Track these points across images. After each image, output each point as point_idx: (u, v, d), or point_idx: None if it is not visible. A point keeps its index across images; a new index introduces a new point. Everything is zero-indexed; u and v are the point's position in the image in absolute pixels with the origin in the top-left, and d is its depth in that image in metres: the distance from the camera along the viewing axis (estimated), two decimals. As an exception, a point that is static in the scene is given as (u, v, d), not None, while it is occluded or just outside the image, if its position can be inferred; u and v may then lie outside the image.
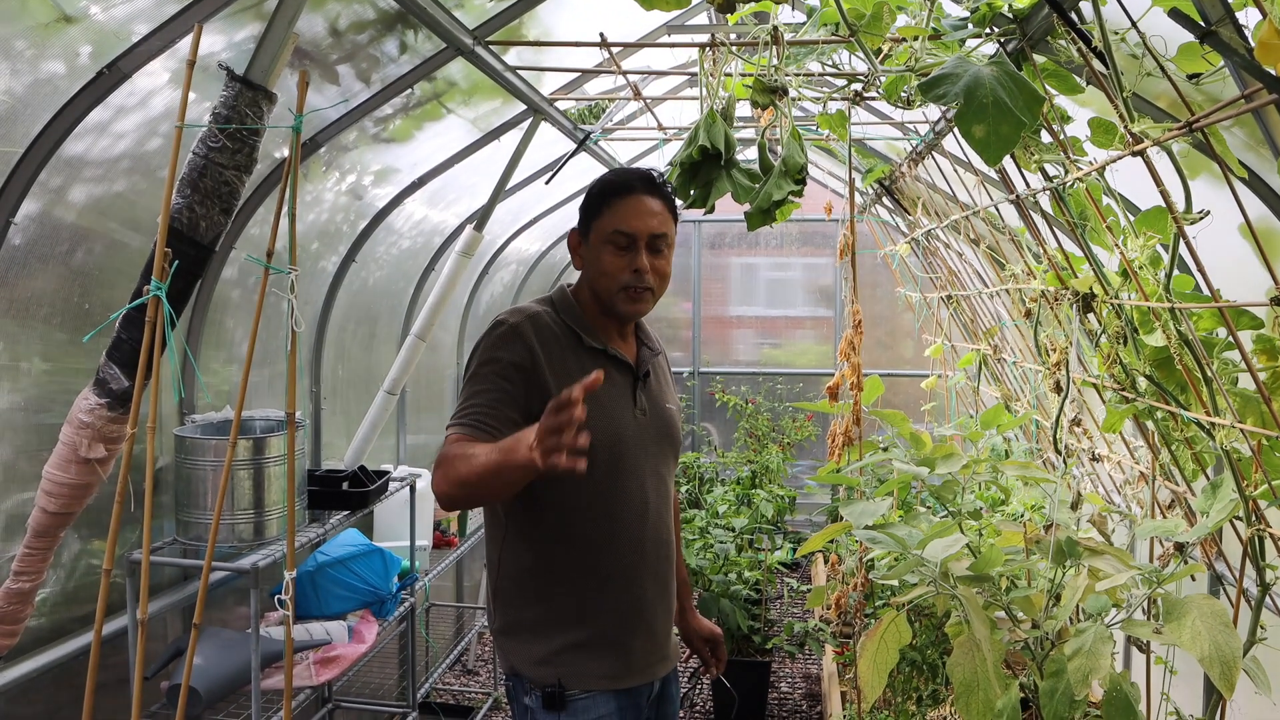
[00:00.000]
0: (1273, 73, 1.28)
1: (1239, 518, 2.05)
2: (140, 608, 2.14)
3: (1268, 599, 2.04)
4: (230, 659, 2.87)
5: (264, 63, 2.24)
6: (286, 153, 2.23)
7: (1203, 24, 1.45)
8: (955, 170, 3.75)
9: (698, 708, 5.12)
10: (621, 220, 2.11)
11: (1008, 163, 2.72)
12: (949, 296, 5.15)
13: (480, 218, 4.07)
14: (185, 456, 2.88)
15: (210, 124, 2.21)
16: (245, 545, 2.90)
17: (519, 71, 3.53)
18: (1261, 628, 2.03)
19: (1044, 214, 2.75)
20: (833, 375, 3.82)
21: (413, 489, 3.87)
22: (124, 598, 2.81)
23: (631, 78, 3.89)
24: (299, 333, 2.19)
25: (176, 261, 2.15)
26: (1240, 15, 1.45)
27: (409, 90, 3.32)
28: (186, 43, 2.22)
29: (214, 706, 2.84)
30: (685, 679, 2.84)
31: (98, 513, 2.65)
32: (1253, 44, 1.28)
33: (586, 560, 2.09)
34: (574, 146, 4.51)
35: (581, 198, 2.22)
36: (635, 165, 2.32)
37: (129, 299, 2.24)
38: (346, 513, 3.42)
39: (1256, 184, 2.18)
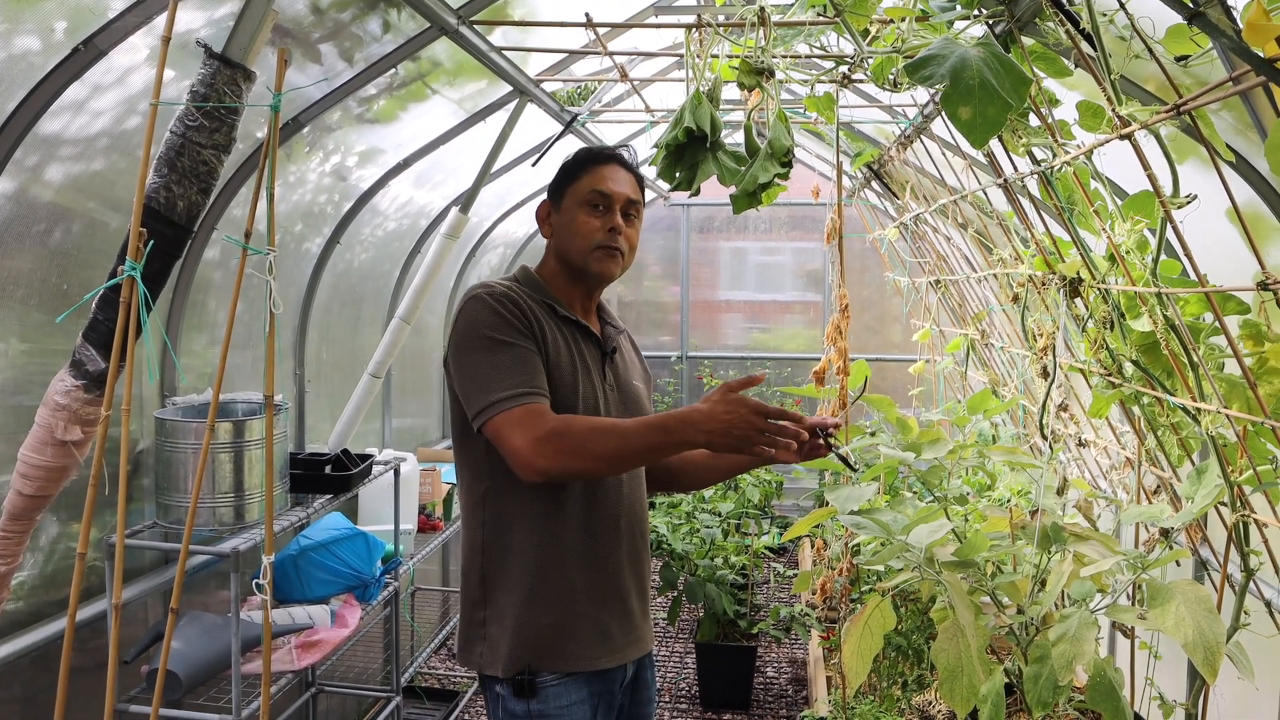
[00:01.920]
0: (1261, 54, 1.26)
1: (1224, 503, 2.05)
2: (114, 592, 2.12)
3: (1251, 585, 2.04)
4: (211, 643, 2.85)
5: (242, 40, 2.21)
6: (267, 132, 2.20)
7: (1191, 5, 1.43)
8: (944, 154, 3.73)
9: (683, 691, 5.13)
10: (599, 181, 2.16)
11: (996, 147, 2.70)
12: (937, 281, 5.14)
13: (466, 200, 4.04)
14: (165, 439, 2.85)
15: (188, 102, 2.18)
16: (226, 529, 2.88)
17: (504, 52, 3.50)
18: (1245, 613, 2.03)
19: (1032, 198, 2.74)
20: (821, 359, 3.81)
21: (397, 472, 3.86)
22: (104, 581, 2.79)
23: (618, 59, 3.86)
24: (278, 315, 2.16)
25: (152, 242, 2.12)
26: (1229, -4, 1.43)
27: (393, 70, 3.28)
28: (164, 19, 2.19)
29: (194, 691, 2.83)
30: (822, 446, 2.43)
31: (77, 495, 2.62)
32: (1241, 25, 1.26)
33: (561, 540, 2.07)
34: (561, 129, 4.47)
35: (556, 174, 2.26)
36: (609, 145, 2.32)
37: (106, 279, 2.21)
38: (330, 496, 3.40)
39: (1244, 168, 2.16)
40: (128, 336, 2.08)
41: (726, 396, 1.89)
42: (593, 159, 2.20)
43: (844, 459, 2.16)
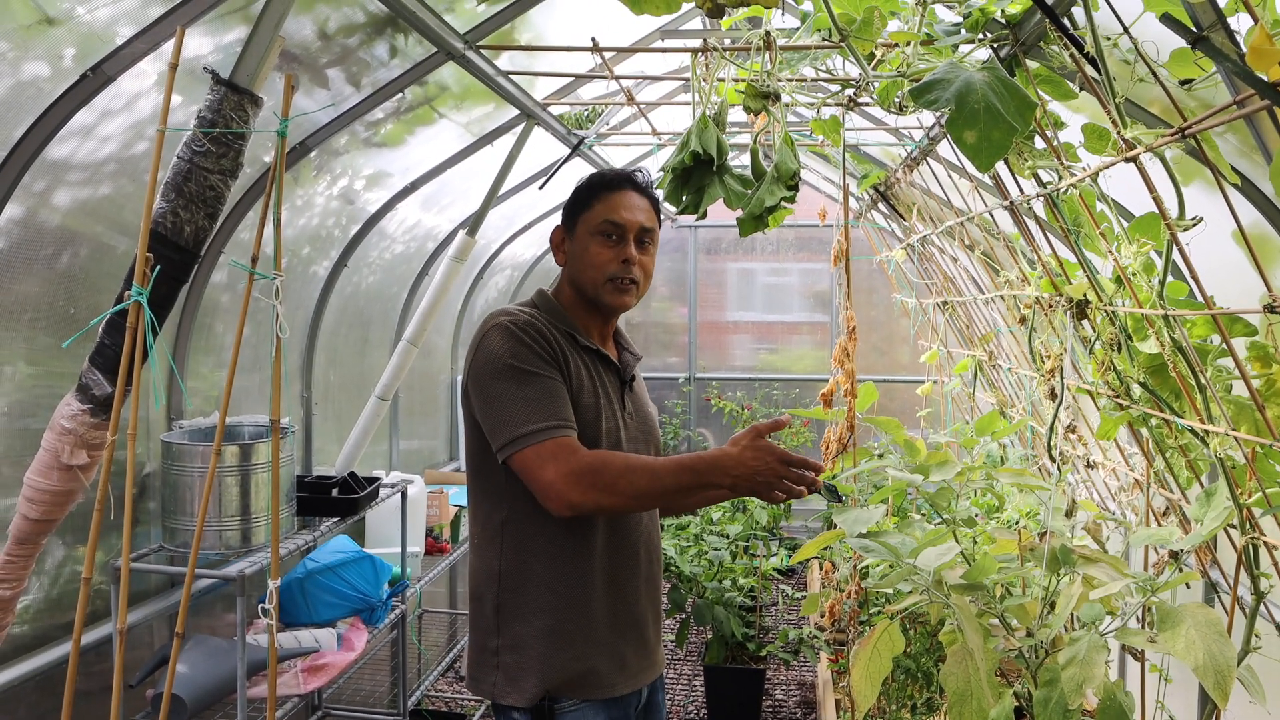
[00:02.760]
0: (1265, 78, 1.26)
1: (1233, 525, 2.04)
2: (120, 616, 2.12)
3: (1262, 607, 2.03)
4: (217, 667, 2.84)
5: (249, 66, 2.22)
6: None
7: (1194, 29, 1.43)
8: (950, 176, 3.74)
9: (691, 714, 5.09)
10: (611, 211, 2.12)
11: (1002, 169, 2.70)
12: (944, 302, 5.13)
13: (473, 223, 4.05)
14: (172, 462, 2.86)
15: (195, 128, 2.19)
16: (233, 552, 2.88)
17: (511, 76, 3.52)
18: (1256, 636, 2.01)
19: (1038, 220, 2.74)
20: (829, 380, 3.80)
21: (404, 495, 3.85)
22: (109, 605, 2.79)
23: (625, 83, 3.87)
24: (284, 339, 2.17)
25: (159, 267, 2.12)
26: (1232, 20, 1.44)
27: (400, 94, 3.30)
28: (171, 45, 2.20)
29: (199, 715, 2.81)
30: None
31: (82, 519, 2.63)
32: (1244, 49, 1.26)
33: (580, 570, 2.06)
34: (568, 152, 4.49)
35: (570, 197, 2.23)
36: (623, 169, 2.30)
37: (113, 303, 2.22)
38: (336, 519, 3.39)
39: (1249, 190, 2.16)
40: (134, 361, 2.09)
41: (755, 443, 1.89)
42: (605, 185, 2.16)
43: (833, 490, 2.18)
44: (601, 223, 2.12)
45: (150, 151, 2.64)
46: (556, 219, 6.33)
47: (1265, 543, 2.03)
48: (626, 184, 2.17)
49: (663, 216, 2.24)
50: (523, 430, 1.93)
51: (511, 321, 2.03)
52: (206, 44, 2.47)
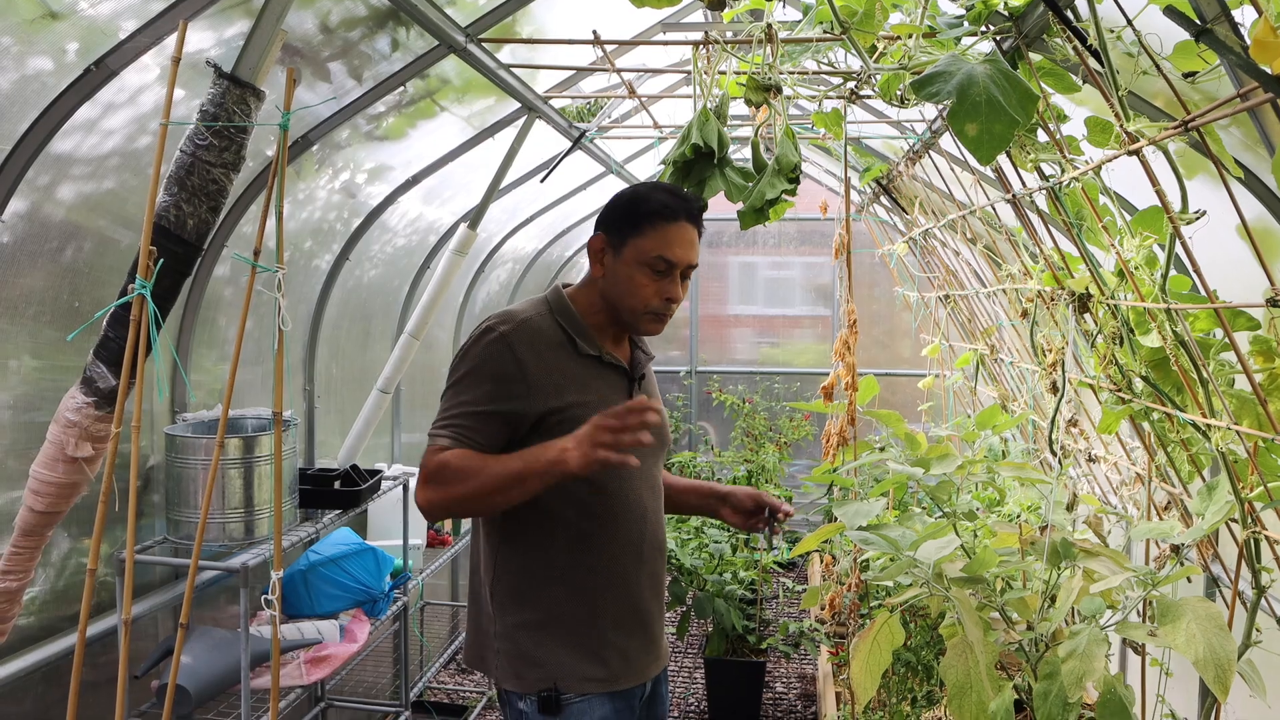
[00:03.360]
0: (1269, 71, 1.26)
1: (1235, 520, 2.04)
2: (124, 608, 2.13)
3: (1263, 602, 2.03)
4: (220, 658, 2.85)
5: (252, 60, 2.22)
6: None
7: (1199, 22, 1.43)
8: (952, 169, 3.73)
9: (692, 707, 5.11)
10: (666, 248, 2.06)
11: (1004, 162, 2.70)
12: (946, 296, 5.13)
13: (475, 216, 4.05)
14: (176, 455, 2.86)
15: (198, 121, 2.19)
16: (236, 544, 2.89)
17: (512, 69, 3.52)
18: (1257, 630, 2.01)
19: (1040, 213, 2.74)
20: (830, 374, 3.80)
21: (406, 488, 3.86)
22: (114, 596, 2.80)
23: (626, 76, 3.87)
24: (286, 331, 2.17)
25: (162, 260, 2.13)
26: (1236, 13, 1.44)
27: (401, 88, 3.30)
28: (174, 39, 2.21)
29: (204, 705, 2.83)
30: (765, 536, 2.57)
31: (87, 512, 2.64)
32: (1249, 42, 1.26)
33: (586, 563, 2.07)
34: (569, 145, 4.49)
35: (617, 204, 2.14)
36: (681, 190, 2.25)
37: (117, 297, 2.22)
38: (339, 512, 3.40)
39: (1253, 183, 2.16)
40: (138, 354, 2.09)
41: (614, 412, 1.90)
42: (663, 214, 2.07)
43: (771, 534, 2.38)
44: (654, 258, 2.06)
45: (153, 145, 2.65)
46: (558, 212, 6.31)
47: (1267, 537, 2.03)
48: (683, 214, 2.09)
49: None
50: (433, 432, 1.97)
51: (493, 331, 2.03)
52: (209, 38, 2.47)
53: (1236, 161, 1.80)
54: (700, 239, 2.17)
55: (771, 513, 2.36)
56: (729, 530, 5.44)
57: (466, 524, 4.97)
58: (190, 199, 2.18)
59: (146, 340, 2.10)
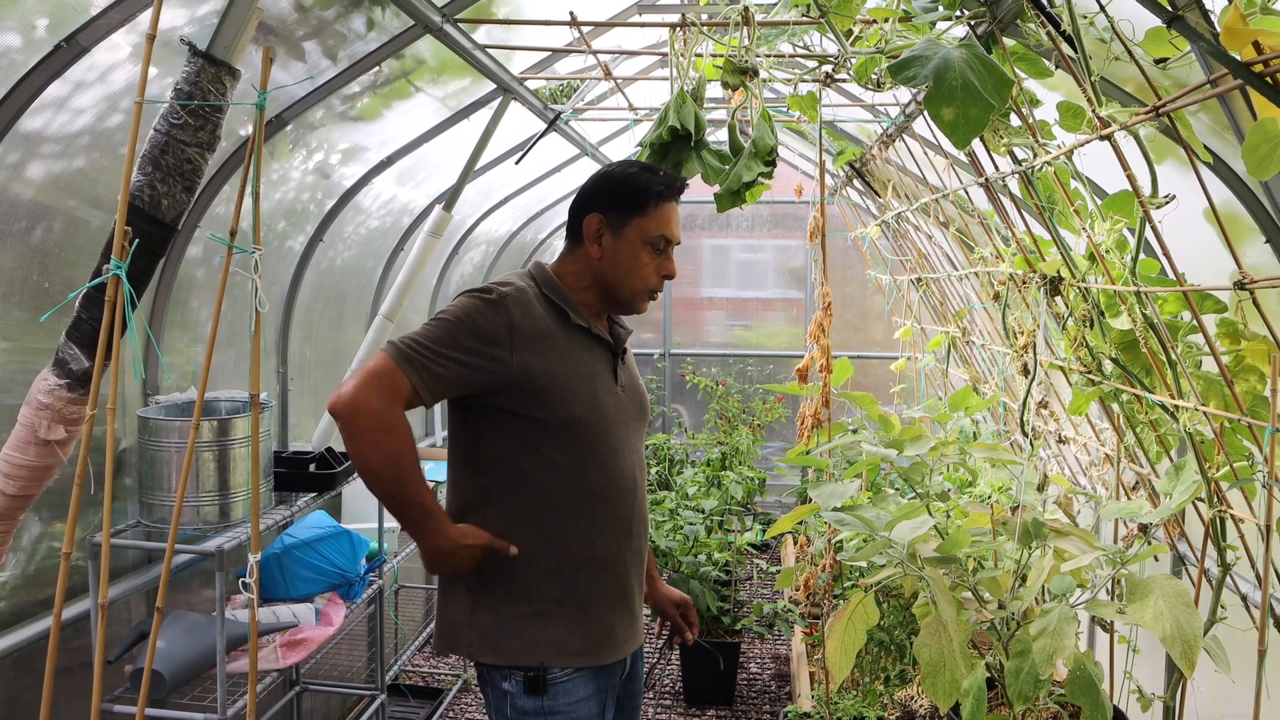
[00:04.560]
0: (1238, 58, 1.28)
1: (1201, 499, 2.08)
2: (100, 592, 2.12)
3: (1228, 579, 2.07)
4: (195, 642, 2.84)
5: (227, 38, 2.20)
6: (251, 130, 2.20)
7: (1170, 8, 1.45)
8: (925, 153, 3.76)
9: (667, 688, 5.14)
10: (668, 226, 2.14)
11: (977, 146, 2.72)
12: (919, 279, 5.17)
13: (449, 198, 4.03)
14: (149, 438, 2.84)
15: (172, 100, 2.17)
16: (210, 527, 2.88)
17: (488, 50, 3.50)
18: (1222, 607, 2.05)
19: (1013, 197, 2.76)
20: (803, 357, 3.83)
21: (381, 471, 3.85)
22: (87, 580, 2.78)
23: (602, 57, 3.86)
24: (262, 313, 2.16)
25: (137, 240, 2.11)
26: (1207, 0, 1.46)
27: (377, 68, 3.28)
28: (147, 16, 2.18)
29: (179, 690, 2.82)
30: (656, 651, 2.84)
31: (60, 495, 2.62)
32: (1219, 29, 1.28)
33: (576, 539, 2.08)
34: (544, 126, 4.48)
35: (612, 184, 2.16)
36: (669, 172, 2.29)
37: (90, 278, 2.20)
38: (314, 495, 3.39)
39: (1222, 169, 2.19)
40: (113, 335, 2.08)
41: (471, 549, 2.05)
42: (663, 194, 2.14)
43: (665, 648, 2.60)
44: (657, 237, 2.13)
45: (124, 124, 2.62)
46: (533, 194, 6.28)
47: (1232, 516, 2.07)
48: (676, 193, 2.18)
49: None
50: (395, 345, 1.98)
51: (494, 292, 2.04)
52: (182, 15, 2.44)
53: (1205, 147, 1.82)
54: None
55: (676, 630, 2.46)
56: (703, 512, 5.47)
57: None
58: (165, 179, 2.16)
59: (122, 322, 2.08)
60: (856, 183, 5.35)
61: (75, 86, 2.43)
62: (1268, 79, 1.24)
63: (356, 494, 4.14)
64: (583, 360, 2.09)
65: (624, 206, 2.12)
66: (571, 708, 2.05)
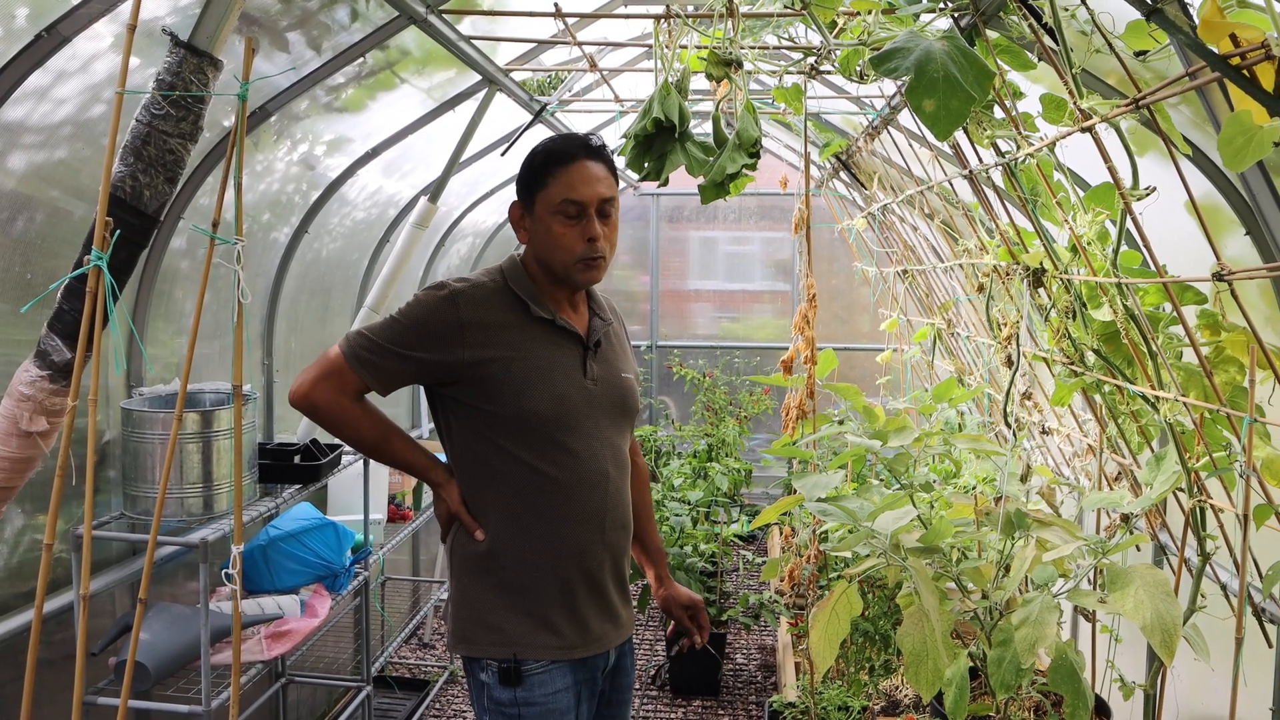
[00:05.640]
0: (1215, 51, 1.29)
1: (1181, 489, 2.09)
2: (82, 584, 2.11)
3: (1207, 568, 2.09)
4: (180, 634, 2.84)
5: (209, 28, 2.19)
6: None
7: (1149, 1, 1.46)
8: (911, 145, 3.76)
9: (656, 681, 5.16)
10: (569, 189, 2.07)
11: (961, 138, 2.73)
12: (905, 271, 5.18)
13: (435, 189, 4.02)
14: (132, 430, 2.84)
15: (154, 91, 2.16)
16: (195, 519, 2.87)
17: (474, 41, 3.49)
18: (1202, 596, 2.07)
19: (996, 189, 2.77)
20: (790, 348, 3.84)
21: (366, 462, 3.85)
22: (70, 573, 2.77)
23: (588, 49, 3.85)
24: (245, 305, 2.15)
25: (118, 231, 2.10)
26: (1186, -8, 1.47)
27: (361, 59, 3.26)
28: (128, 6, 2.17)
29: (163, 682, 2.82)
30: (665, 651, 2.85)
31: (43, 487, 2.60)
32: (1197, 22, 1.29)
33: (543, 532, 2.08)
34: (530, 118, 4.47)
35: (521, 170, 2.17)
36: (573, 133, 2.28)
37: (72, 269, 2.19)
38: (299, 486, 3.39)
39: (1202, 161, 2.20)
40: (94, 326, 2.07)
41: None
42: (558, 159, 2.09)
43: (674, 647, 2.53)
44: (561, 202, 2.07)
45: (106, 115, 2.60)
46: (519, 186, 6.15)
47: (1211, 505, 2.09)
48: (581, 152, 2.11)
49: (622, 184, 2.25)
50: (349, 340, 2.10)
51: (444, 288, 2.09)
52: (164, 5, 2.42)
53: (1185, 139, 1.83)
54: (614, 174, 2.16)
55: (682, 632, 2.48)
56: (689, 503, 5.48)
57: (428, 498, 4.97)
58: (147, 170, 2.15)
59: (103, 313, 2.07)
60: (842, 174, 5.36)
61: (57, 76, 2.41)
62: (1244, 72, 1.25)
63: (342, 486, 4.13)
64: (542, 353, 2.08)
65: (529, 186, 2.14)
66: (547, 699, 2.06)
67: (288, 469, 3.39)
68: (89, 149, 2.67)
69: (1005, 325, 2.80)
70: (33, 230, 2.62)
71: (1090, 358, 2.41)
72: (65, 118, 2.55)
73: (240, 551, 2.17)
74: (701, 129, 3.63)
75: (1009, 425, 2.84)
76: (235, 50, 2.55)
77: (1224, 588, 2.28)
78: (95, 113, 2.61)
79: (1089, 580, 2.27)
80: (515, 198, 2.19)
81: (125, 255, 2.17)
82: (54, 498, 2.12)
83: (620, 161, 2.47)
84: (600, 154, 2.14)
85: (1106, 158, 1.78)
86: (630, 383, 2.26)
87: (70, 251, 2.59)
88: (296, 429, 4.06)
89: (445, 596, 2.28)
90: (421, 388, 2.20)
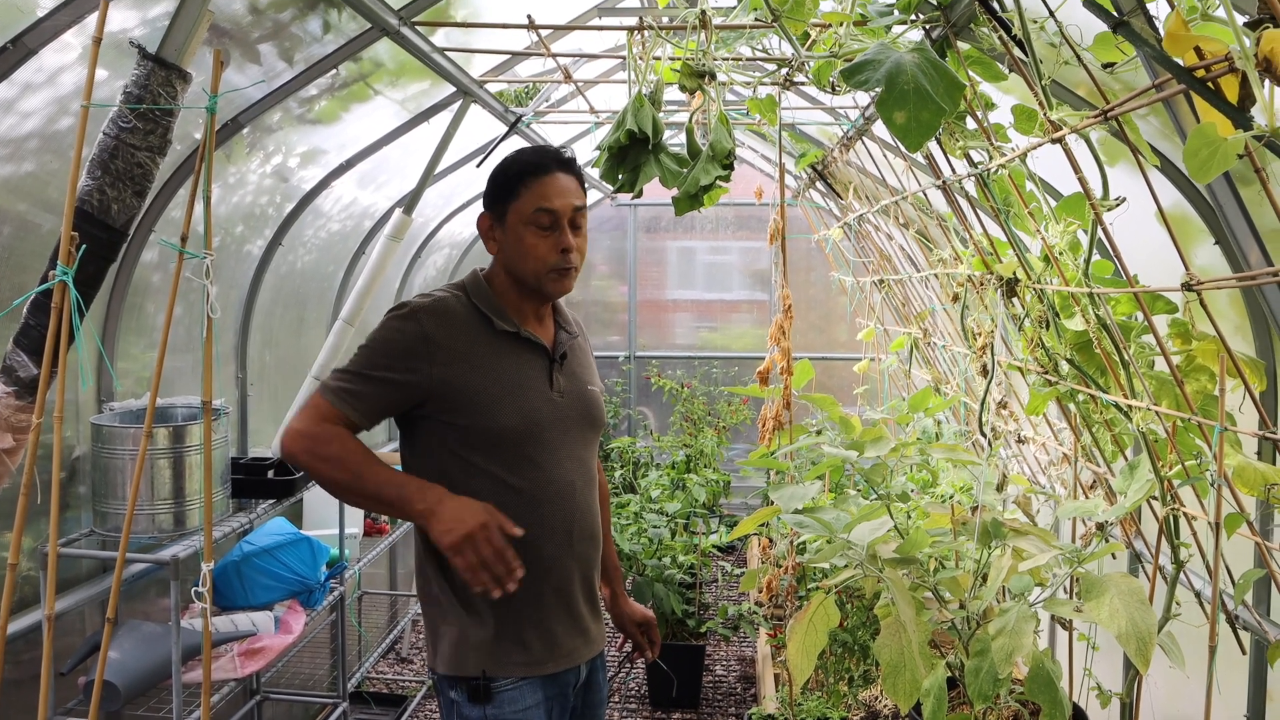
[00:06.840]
0: (1180, 63, 1.30)
1: (1155, 498, 2.10)
2: (48, 602, 2.08)
3: (1182, 576, 2.10)
4: (150, 653, 2.80)
5: (177, 40, 2.17)
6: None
7: (1116, 14, 1.46)
8: (885, 155, 3.78)
9: (632, 691, 5.14)
10: (543, 199, 2.08)
11: (935, 148, 2.74)
12: (881, 280, 5.20)
13: (410, 201, 4.01)
14: (102, 445, 2.80)
15: (121, 104, 2.14)
16: (166, 536, 2.84)
17: (447, 53, 3.48)
18: (1176, 604, 2.08)
19: (970, 199, 2.78)
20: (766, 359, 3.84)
21: (342, 476, 3.82)
22: (38, 592, 2.73)
23: (562, 60, 3.85)
24: (215, 319, 2.13)
25: (85, 245, 2.08)
26: (1151, 6, 1.47)
27: (334, 70, 3.25)
28: (95, 18, 2.15)
29: (134, 701, 2.78)
30: (616, 664, 2.85)
31: (8, 505, 2.57)
32: (1163, 35, 1.30)
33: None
34: (505, 129, 4.46)
35: (490, 181, 2.17)
36: (543, 145, 2.29)
37: (38, 283, 2.16)
38: (273, 501, 3.36)
39: (1171, 171, 2.22)
40: (59, 343, 2.04)
41: (489, 506, 1.97)
42: (532, 170, 2.11)
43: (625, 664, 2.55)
44: (534, 213, 2.08)
45: (74, 127, 2.57)
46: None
47: (1185, 514, 2.10)
48: (553, 165, 2.12)
49: (599, 194, 2.25)
50: (326, 384, 2.04)
51: (405, 306, 2.07)
52: (132, 17, 2.41)
53: (1154, 149, 1.84)
54: (583, 186, 2.18)
55: (636, 646, 2.48)
56: (667, 515, 5.47)
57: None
58: (114, 183, 2.13)
59: (69, 328, 2.05)
60: (818, 184, 5.37)
61: (23, 89, 2.39)
62: (1209, 84, 1.25)
63: (317, 500, 4.10)
64: (508, 367, 2.08)
65: (499, 197, 2.14)
66: (517, 716, 2.04)
67: (262, 484, 3.36)
68: (57, 161, 2.65)
69: (980, 335, 2.81)
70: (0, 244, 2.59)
71: (1064, 367, 2.42)
72: (32, 130, 2.53)
73: (209, 569, 2.15)
74: (676, 140, 3.63)
75: (985, 434, 2.85)
76: (205, 62, 2.53)
77: (1198, 595, 2.29)
78: (63, 125, 2.59)
79: (1065, 589, 2.27)
80: (483, 209, 2.19)
81: (93, 269, 2.15)
82: (18, 515, 2.09)
83: (594, 174, 2.47)
84: (571, 166, 2.16)
85: (1077, 168, 1.78)
86: (596, 395, 2.27)
87: (38, 265, 2.56)
88: (271, 444, 4.03)
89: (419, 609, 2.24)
90: None
